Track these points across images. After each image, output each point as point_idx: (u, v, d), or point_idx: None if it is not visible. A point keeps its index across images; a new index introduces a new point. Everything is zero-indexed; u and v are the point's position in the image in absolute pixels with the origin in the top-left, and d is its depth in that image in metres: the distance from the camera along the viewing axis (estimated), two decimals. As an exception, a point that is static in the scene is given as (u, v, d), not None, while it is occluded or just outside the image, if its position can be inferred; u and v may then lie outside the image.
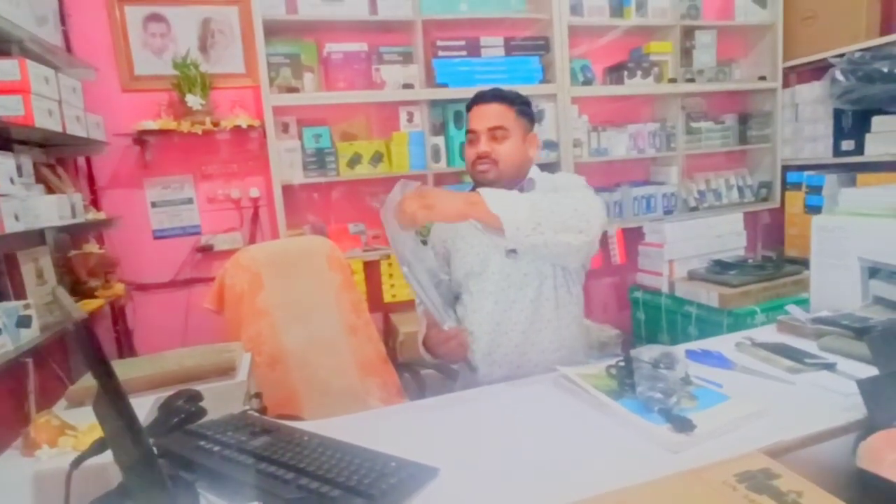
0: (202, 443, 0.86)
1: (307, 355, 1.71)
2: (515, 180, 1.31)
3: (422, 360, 2.12)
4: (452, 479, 0.78)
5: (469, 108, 1.35)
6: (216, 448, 0.84)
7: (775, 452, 0.77)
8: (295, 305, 1.74)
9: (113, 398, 0.55)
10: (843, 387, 0.94)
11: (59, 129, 1.67)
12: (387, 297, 2.40)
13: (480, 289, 1.33)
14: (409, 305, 2.47)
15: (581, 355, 1.38)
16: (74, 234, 2.03)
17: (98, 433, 0.81)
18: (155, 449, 0.89)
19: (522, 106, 1.33)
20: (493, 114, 1.29)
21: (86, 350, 0.56)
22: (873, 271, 1.31)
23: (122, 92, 2.22)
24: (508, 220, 1.03)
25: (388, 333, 2.46)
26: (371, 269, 2.39)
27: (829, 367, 1.03)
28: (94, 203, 2.17)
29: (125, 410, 0.55)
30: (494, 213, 1.03)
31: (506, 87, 1.37)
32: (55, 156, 2.01)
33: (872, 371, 0.91)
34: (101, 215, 2.00)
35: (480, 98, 1.32)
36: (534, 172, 1.37)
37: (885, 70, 2.28)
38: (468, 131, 1.33)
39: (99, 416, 0.70)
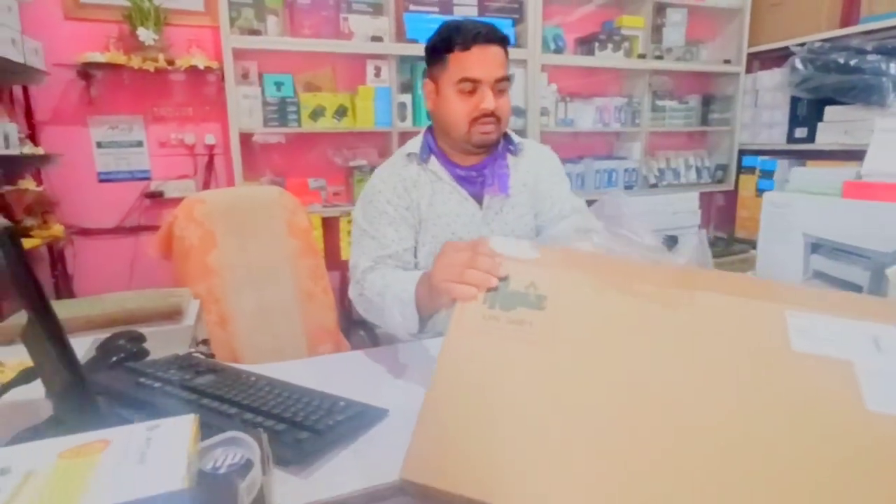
0: (142, 379, 0.82)
1: (258, 321, 1.66)
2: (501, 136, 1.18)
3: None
4: (402, 421, 0.77)
5: (457, 46, 1.04)
6: (157, 384, 0.80)
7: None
8: (248, 269, 1.67)
9: (39, 313, 0.52)
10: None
11: (-10, 50, 1.54)
12: (345, 255, 2.36)
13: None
14: (367, 265, 2.44)
15: None
16: (8, 169, 1.89)
17: (28, 368, 0.76)
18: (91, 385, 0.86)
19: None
20: (499, 60, 1.07)
21: (10, 261, 0.52)
22: (815, 247, 1.37)
23: (64, 19, 2.04)
24: None
25: (345, 292, 2.43)
26: (329, 225, 2.34)
27: (769, 331, 1.08)
28: (33, 138, 2.01)
29: (52, 326, 0.51)
30: None
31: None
32: (-12, 83, 1.85)
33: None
34: (40, 150, 1.86)
35: (480, 36, 1.04)
36: (514, 135, 1.24)
37: (842, 61, 2.36)
38: (464, 79, 1.05)
39: (27, 344, 0.65)
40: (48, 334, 0.54)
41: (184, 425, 0.38)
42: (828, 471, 0.46)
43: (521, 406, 0.54)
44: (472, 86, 1.06)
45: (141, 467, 0.33)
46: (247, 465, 0.38)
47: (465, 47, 1.04)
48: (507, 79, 1.09)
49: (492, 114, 1.07)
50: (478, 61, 1.05)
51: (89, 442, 0.36)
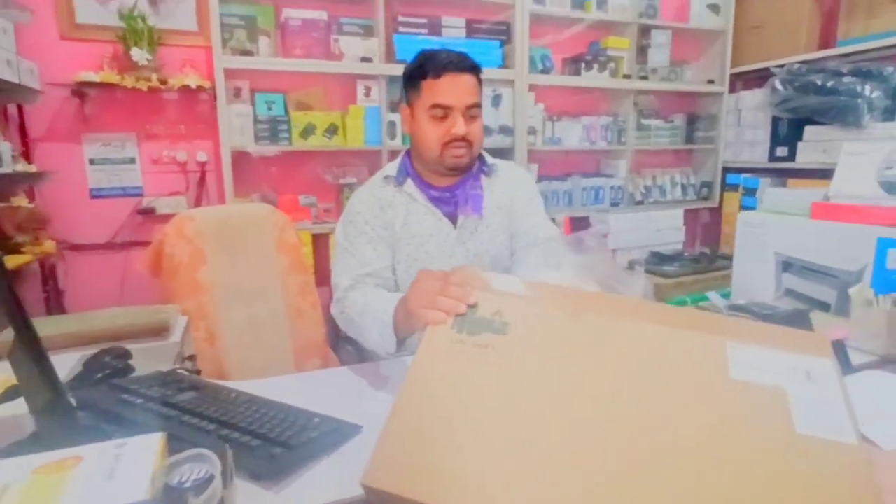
0: (125, 396, 0.85)
1: (247, 337, 1.68)
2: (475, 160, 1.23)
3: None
4: (375, 437, 0.80)
5: (430, 74, 1.10)
6: (139, 401, 0.83)
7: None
8: (238, 285, 1.69)
9: (21, 334, 0.55)
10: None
11: (-14, 71, 1.58)
12: (334, 271, 2.39)
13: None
14: (356, 281, 2.47)
15: None
16: (1, 186, 1.92)
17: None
18: (74, 401, 0.88)
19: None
20: (470, 88, 1.12)
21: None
22: (786, 265, 1.41)
23: (60, 39, 2.09)
24: None
25: (334, 307, 2.46)
26: (319, 242, 2.38)
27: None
28: (26, 155, 2.05)
29: (33, 346, 0.54)
30: None
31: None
32: (-17, 102, 1.89)
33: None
34: (32, 168, 1.90)
35: (451, 65, 1.10)
36: (489, 157, 1.28)
37: (819, 83, 2.43)
38: (436, 106, 1.10)
39: (12, 361, 0.68)
40: (30, 354, 0.57)
41: (151, 443, 0.41)
42: (758, 486, 0.49)
43: (480, 422, 0.57)
44: (443, 112, 1.11)
45: (109, 482, 0.36)
46: (210, 480, 0.41)
47: (437, 75, 1.10)
48: (478, 105, 1.14)
49: (463, 138, 1.12)
50: (449, 89, 1.10)
51: (64, 458, 0.39)
